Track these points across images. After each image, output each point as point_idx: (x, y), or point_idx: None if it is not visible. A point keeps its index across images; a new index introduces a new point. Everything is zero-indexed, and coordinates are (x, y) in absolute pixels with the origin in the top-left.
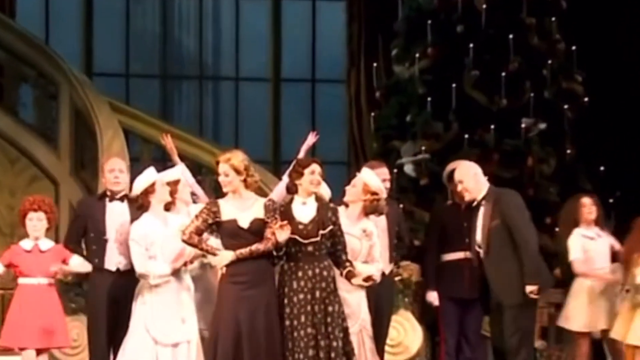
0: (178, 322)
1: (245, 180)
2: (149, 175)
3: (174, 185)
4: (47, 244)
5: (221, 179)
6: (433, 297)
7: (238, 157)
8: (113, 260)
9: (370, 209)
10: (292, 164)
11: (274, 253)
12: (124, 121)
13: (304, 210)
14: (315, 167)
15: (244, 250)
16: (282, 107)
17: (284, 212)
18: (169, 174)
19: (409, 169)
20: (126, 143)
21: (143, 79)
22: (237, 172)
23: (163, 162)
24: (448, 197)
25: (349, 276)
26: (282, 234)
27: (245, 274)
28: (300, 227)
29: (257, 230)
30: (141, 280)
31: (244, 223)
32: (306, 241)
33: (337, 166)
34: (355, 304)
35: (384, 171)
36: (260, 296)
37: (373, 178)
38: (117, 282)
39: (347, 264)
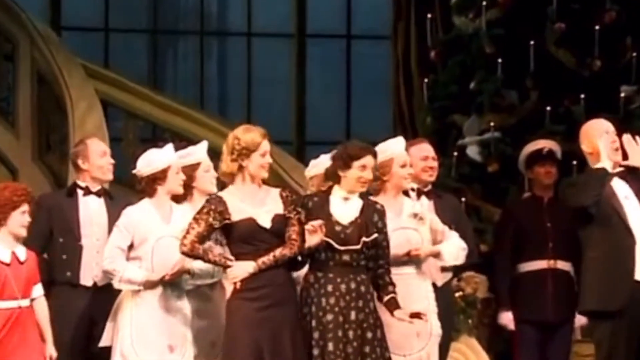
0: (163, 349)
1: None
2: (165, 156)
3: (191, 170)
4: (22, 251)
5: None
6: (506, 319)
7: (250, 133)
8: (89, 273)
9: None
10: (338, 148)
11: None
12: (102, 90)
13: (345, 209)
14: (369, 161)
15: (267, 258)
16: (308, 71)
17: (318, 206)
18: (189, 155)
19: (473, 151)
20: (105, 118)
21: (127, 35)
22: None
23: (152, 141)
24: (525, 188)
25: (391, 306)
26: (315, 238)
27: (264, 287)
28: (338, 229)
29: (280, 230)
30: (122, 291)
31: (265, 221)
32: (343, 248)
33: None
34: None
35: (426, 147)
36: (284, 316)
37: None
38: (95, 300)
39: (390, 287)
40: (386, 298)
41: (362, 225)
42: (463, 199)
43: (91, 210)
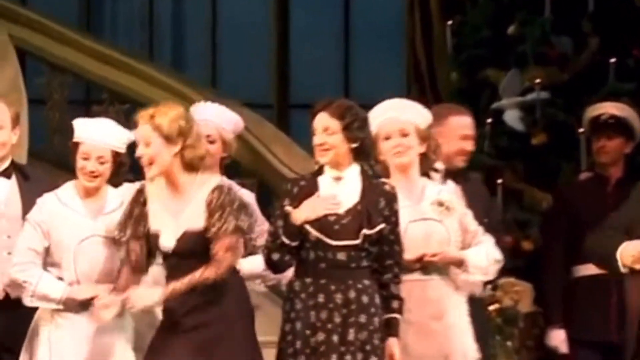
0: None
1: (181, 155)
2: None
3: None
4: None
5: (140, 150)
6: (558, 339)
7: (171, 114)
8: None
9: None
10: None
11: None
12: (19, 34)
13: (339, 192)
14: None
15: (178, 285)
16: (292, 11)
17: (305, 193)
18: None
19: (512, 117)
20: (23, 73)
21: None
22: (168, 139)
23: (85, 104)
24: (582, 165)
25: (389, 331)
26: (303, 213)
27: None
28: (331, 219)
29: (191, 250)
30: (38, 309)
31: (168, 241)
32: (337, 244)
33: None
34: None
35: (469, 122)
36: (209, 334)
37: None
38: (5, 319)
39: (395, 304)
40: (387, 316)
41: (362, 213)
42: (499, 181)
43: None
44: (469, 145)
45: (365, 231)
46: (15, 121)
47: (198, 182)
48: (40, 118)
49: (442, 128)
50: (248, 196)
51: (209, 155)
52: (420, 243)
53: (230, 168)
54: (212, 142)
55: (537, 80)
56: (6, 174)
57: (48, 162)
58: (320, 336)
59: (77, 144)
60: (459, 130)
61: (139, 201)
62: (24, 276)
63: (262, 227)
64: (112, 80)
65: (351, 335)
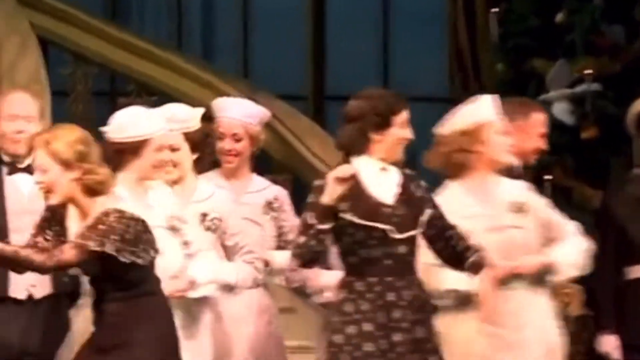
0: None
1: (81, 180)
2: (149, 119)
3: (196, 141)
4: None
5: (36, 178)
6: (610, 345)
7: (68, 138)
8: (23, 282)
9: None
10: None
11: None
12: (41, 23)
13: (385, 184)
14: (407, 116)
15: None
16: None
17: (349, 190)
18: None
19: (561, 110)
20: (45, 63)
21: None
22: (65, 165)
23: (110, 95)
24: (635, 161)
25: (476, 266)
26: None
27: None
28: (386, 211)
29: (93, 273)
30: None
31: None
32: (401, 236)
33: (432, 105)
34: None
35: (545, 120)
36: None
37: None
38: (31, 320)
39: (470, 252)
40: (471, 260)
41: (410, 201)
42: (548, 177)
43: (21, 193)
44: (544, 144)
45: (421, 218)
46: (41, 115)
47: (99, 206)
48: (63, 111)
49: (523, 123)
50: (280, 192)
51: (231, 155)
52: (500, 254)
53: (263, 163)
54: (238, 140)
55: (587, 71)
56: (30, 169)
57: None
58: (397, 336)
59: None
60: (539, 127)
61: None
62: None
63: (292, 223)
64: (139, 71)
65: (420, 333)
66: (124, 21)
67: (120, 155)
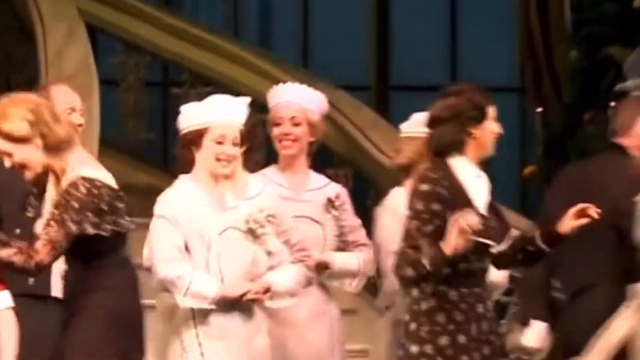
0: None
1: (45, 145)
2: (209, 106)
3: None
4: None
5: (7, 163)
6: None
7: (14, 114)
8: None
9: None
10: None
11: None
12: (90, 9)
13: (481, 189)
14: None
15: None
16: None
17: (457, 194)
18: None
19: None
20: (93, 51)
21: None
22: (23, 141)
23: (164, 86)
24: None
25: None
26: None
27: None
28: (486, 223)
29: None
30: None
31: None
32: (496, 249)
33: (503, 96)
34: None
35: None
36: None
37: None
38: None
39: None
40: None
41: (497, 211)
42: None
43: None
44: None
45: (512, 232)
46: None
47: (70, 170)
48: (114, 101)
49: None
50: (341, 190)
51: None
52: None
53: (324, 157)
54: (297, 125)
55: None
56: None
57: (119, 150)
58: (486, 349)
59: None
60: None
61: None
62: (175, 272)
63: (352, 223)
64: (193, 60)
65: (499, 343)
66: (177, 8)
67: (187, 151)
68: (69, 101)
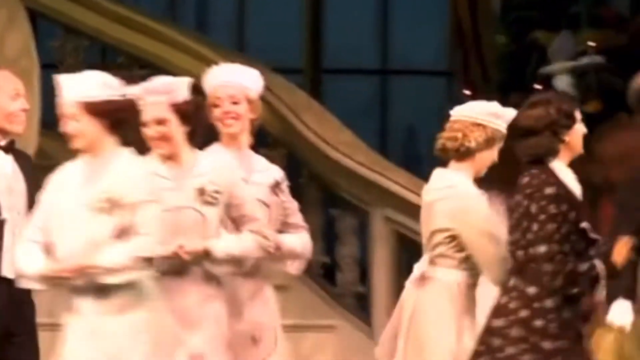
0: None
1: None
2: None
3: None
4: None
5: None
6: None
7: None
8: (10, 261)
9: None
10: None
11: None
12: None
13: (578, 190)
14: None
15: None
16: None
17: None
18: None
19: (564, 83)
20: (34, 35)
21: None
22: None
23: (103, 68)
24: None
25: None
26: None
27: None
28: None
29: None
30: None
31: None
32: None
33: (432, 79)
34: None
35: None
36: None
37: None
38: (15, 300)
39: None
40: None
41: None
42: None
43: (6, 173)
44: None
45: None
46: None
47: None
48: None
49: None
50: (281, 172)
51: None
52: None
53: (259, 138)
54: (235, 103)
55: (591, 44)
56: (7, 147)
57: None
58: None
59: None
60: None
61: None
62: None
63: (292, 206)
64: (131, 44)
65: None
66: None
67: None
68: (15, 87)
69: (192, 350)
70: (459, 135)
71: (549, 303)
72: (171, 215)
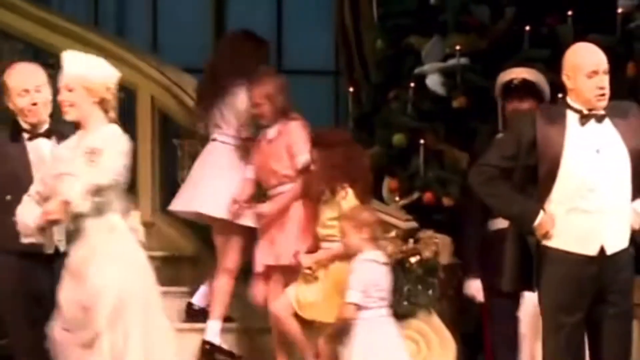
0: None
1: None
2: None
3: None
4: None
5: None
6: (475, 288)
7: None
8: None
9: None
10: None
11: None
12: None
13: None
14: None
15: None
16: None
17: None
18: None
19: (434, 82)
20: None
21: None
22: None
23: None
24: (499, 128)
25: None
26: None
27: None
28: None
29: None
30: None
31: None
32: None
33: (319, 78)
34: None
35: None
36: None
37: None
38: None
39: None
40: None
41: None
42: (421, 141)
43: (43, 157)
44: None
45: None
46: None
47: None
48: None
49: None
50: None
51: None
52: None
53: (173, 129)
54: (70, 91)
55: (457, 47)
56: (48, 134)
57: None
58: None
59: None
60: None
61: None
62: None
63: None
64: (60, 47)
65: None
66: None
67: None
68: (23, 85)
69: None
70: None
71: None
72: None
